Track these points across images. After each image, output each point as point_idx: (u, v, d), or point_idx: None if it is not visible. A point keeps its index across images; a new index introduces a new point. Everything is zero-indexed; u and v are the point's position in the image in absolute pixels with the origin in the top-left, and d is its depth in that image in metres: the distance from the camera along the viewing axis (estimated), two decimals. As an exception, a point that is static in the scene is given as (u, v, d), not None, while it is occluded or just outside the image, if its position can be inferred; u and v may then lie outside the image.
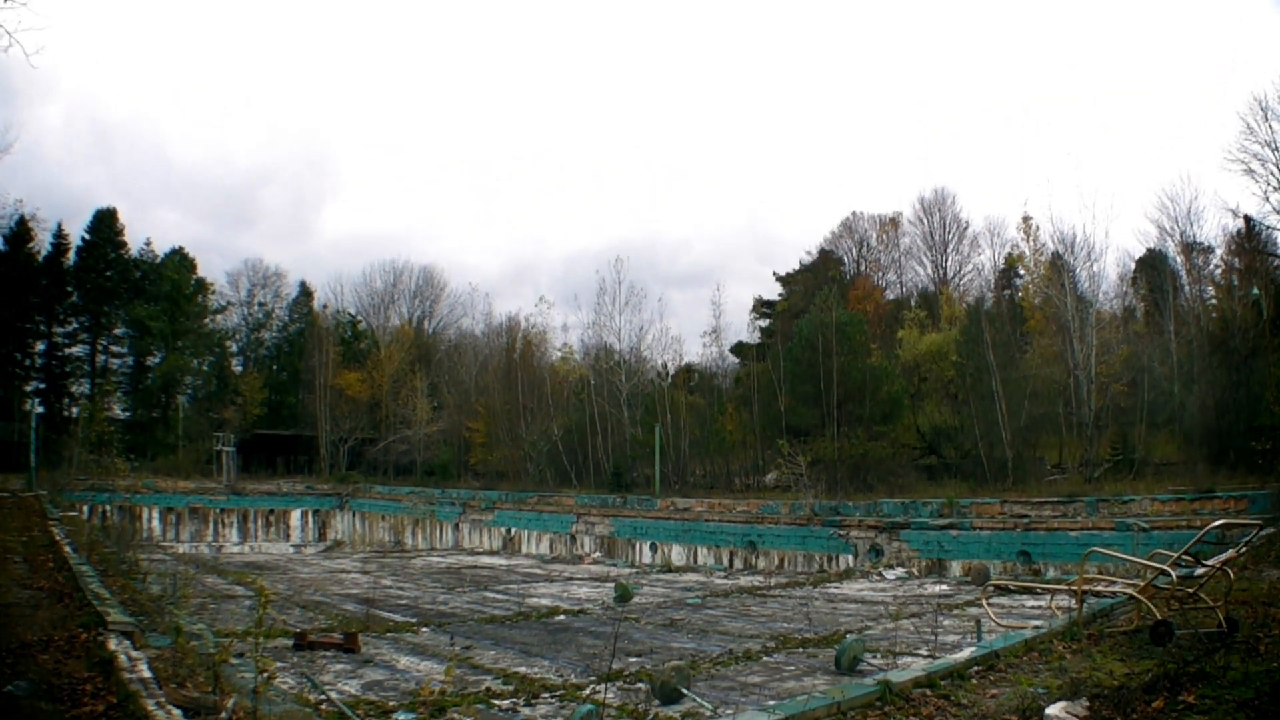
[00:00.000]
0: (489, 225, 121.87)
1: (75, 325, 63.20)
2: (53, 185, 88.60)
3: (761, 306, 67.84)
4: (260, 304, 73.61)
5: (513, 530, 46.62)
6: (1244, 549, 14.29)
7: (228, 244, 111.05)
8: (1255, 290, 36.99)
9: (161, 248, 68.26)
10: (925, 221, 68.42)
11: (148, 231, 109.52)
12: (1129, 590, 12.07)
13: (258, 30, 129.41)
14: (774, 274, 70.73)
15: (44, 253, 61.43)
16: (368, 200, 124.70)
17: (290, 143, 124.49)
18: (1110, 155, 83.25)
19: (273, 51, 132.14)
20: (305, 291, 74.82)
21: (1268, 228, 38.44)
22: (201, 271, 69.35)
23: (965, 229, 67.34)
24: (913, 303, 61.84)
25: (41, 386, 60.76)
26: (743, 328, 67.08)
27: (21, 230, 58.66)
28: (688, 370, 61.73)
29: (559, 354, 65.26)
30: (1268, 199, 36.46)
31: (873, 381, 45.03)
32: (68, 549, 20.45)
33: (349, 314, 74.97)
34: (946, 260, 68.09)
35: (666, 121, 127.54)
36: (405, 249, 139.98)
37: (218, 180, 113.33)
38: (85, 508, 36.90)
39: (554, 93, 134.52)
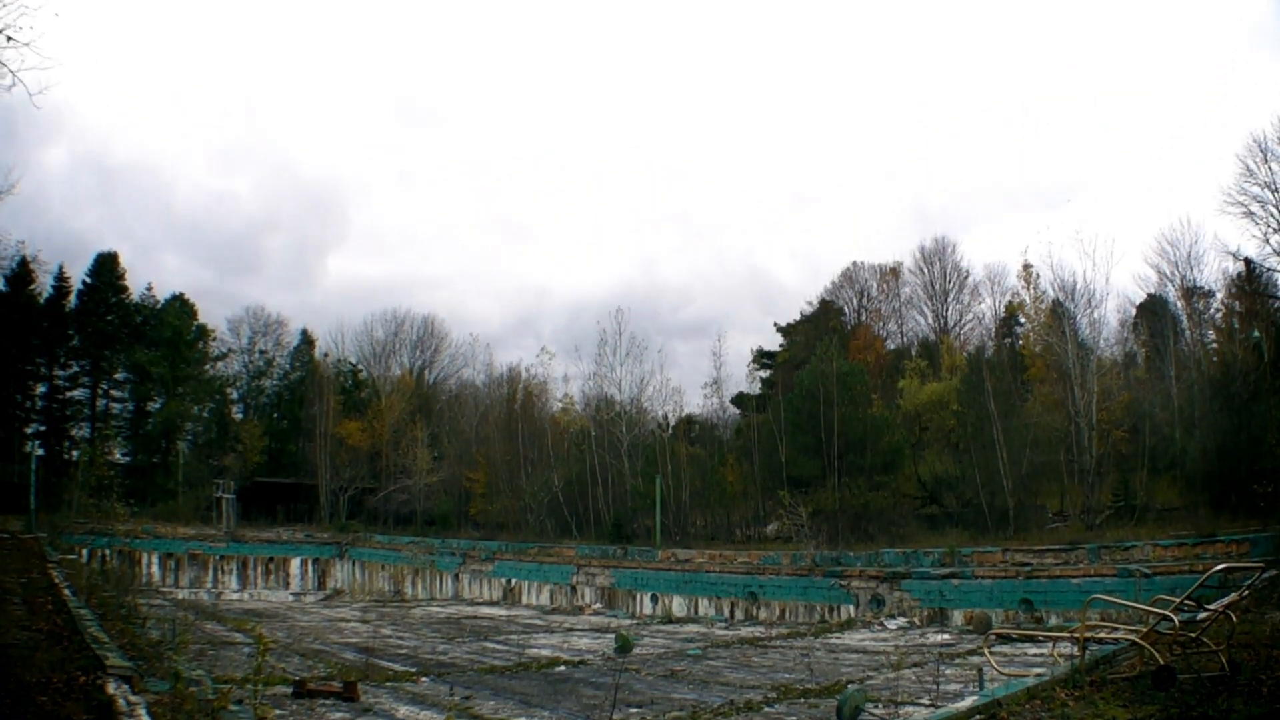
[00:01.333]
0: (492, 275, 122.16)
1: (76, 368, 63.18)
2: (55, 227, 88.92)
3: (762, 357, 67.98)
4: (261, 351, 73.76)
5: (513, 581, 46.40)
6: (1246, 592, 14.19)
7: (230, 291, 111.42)
8: (1256, 333, 37.09)
9: (163, 293, 68.63)
10: (926, 271, 68.95)
11: (150, 276, 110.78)
12: (1131, 636, 12.02)
13: (265, 76, 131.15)
14: (775, 324, 71.13)
15: (45, 295, 61.53)
16: (371, 249, 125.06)
17: (295, 189, 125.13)
18: (1111, 201, 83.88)
19: (282, 97, 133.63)
20: (306, 340, 75.00)
21: (1268, 269, 38.61)
22: (202, 318, 69.48)
23: (966, 278, 67.94)
24: (913, 352, 62.01)
25: (42, 429, 60.64)
26: (743, 378, 67.18)
27: (23, 272, 58.79)
28: (689, 421, 61.76)
29: (560, 405, 65.38)
30: (1268, 241, 36.69)
31: (874, 432, 45.02)
32: (67, 592, 20.34)
33: (350, 363, 75.10)
34: (947, 309, 68.54)
35: (671, 173, 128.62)
36: (407, 298, 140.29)
37: (221, 225, 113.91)
38: (84, 551, 36.92)
39: (559, 144, 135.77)
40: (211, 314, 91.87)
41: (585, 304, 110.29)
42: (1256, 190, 37.18)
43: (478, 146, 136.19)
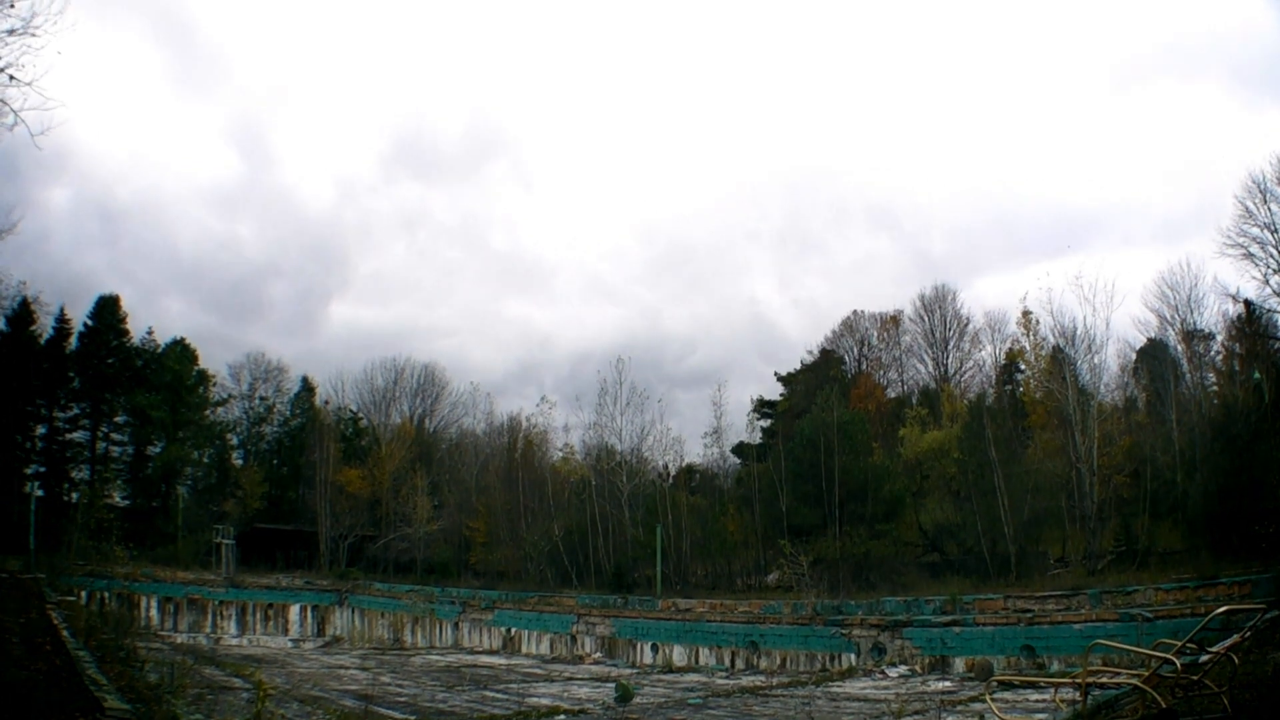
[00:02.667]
0: (496, 324, 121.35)
1: (76, 410, 62.97)
2: (57, 268, 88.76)
3: (763, 406, 67.95)
4: (262, 398, 73.73)
5: (513, 630, 46.21)
6: (1248, 634, 14.18)
7: (231, 336, 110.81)
8: (1256, 374, 37.10)
9: (164, 337, 68.62)
10: (926, 319, 69.25)
11: (151, 320, 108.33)
12: (1133, 680, 12.02)
13: (272, 119, 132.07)
14: (775, 374, 71.35)
15: (46, 336, 61.49)
16: (374, 296, 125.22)
17: (299, 234, 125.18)
18: (1111, 245, 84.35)
19: (288, 140, 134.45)
20: (307, 387, 75.00)
21: (1268, 310, 38.70)
22: (203, 363, 69.48)
23: (966, 325, 68.18)
24: (914, 400, 62.11)
25: (41, 470, 60.35)
26: (744, 428, 67.09)
27: (24, 312, 58.80)
28: (689, 470, 61.77)
29: (560, 454, 65.38)
30: (1268, 282, 36.81)
31: (875, 481, 45.04)
32: (65, 633, 20.28)
33: (350, 410, 75.07)
34: (947, 357, 68.71)
35: (676, 221, 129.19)
36: (410, 345, 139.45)
37: (225, 270, 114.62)
38: (83, 593, 36.64)
39: (564, 188, 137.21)
40: (212, 359, 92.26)
41: (589, 353, 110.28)
42: (1256, 231, 37.44)
43: (481, 192, 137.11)
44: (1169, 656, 11.44)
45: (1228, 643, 12.22)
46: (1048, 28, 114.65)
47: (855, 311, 72.86)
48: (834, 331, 72.67)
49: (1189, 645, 11.90)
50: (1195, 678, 11.22)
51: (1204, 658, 11.60)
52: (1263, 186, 37.40)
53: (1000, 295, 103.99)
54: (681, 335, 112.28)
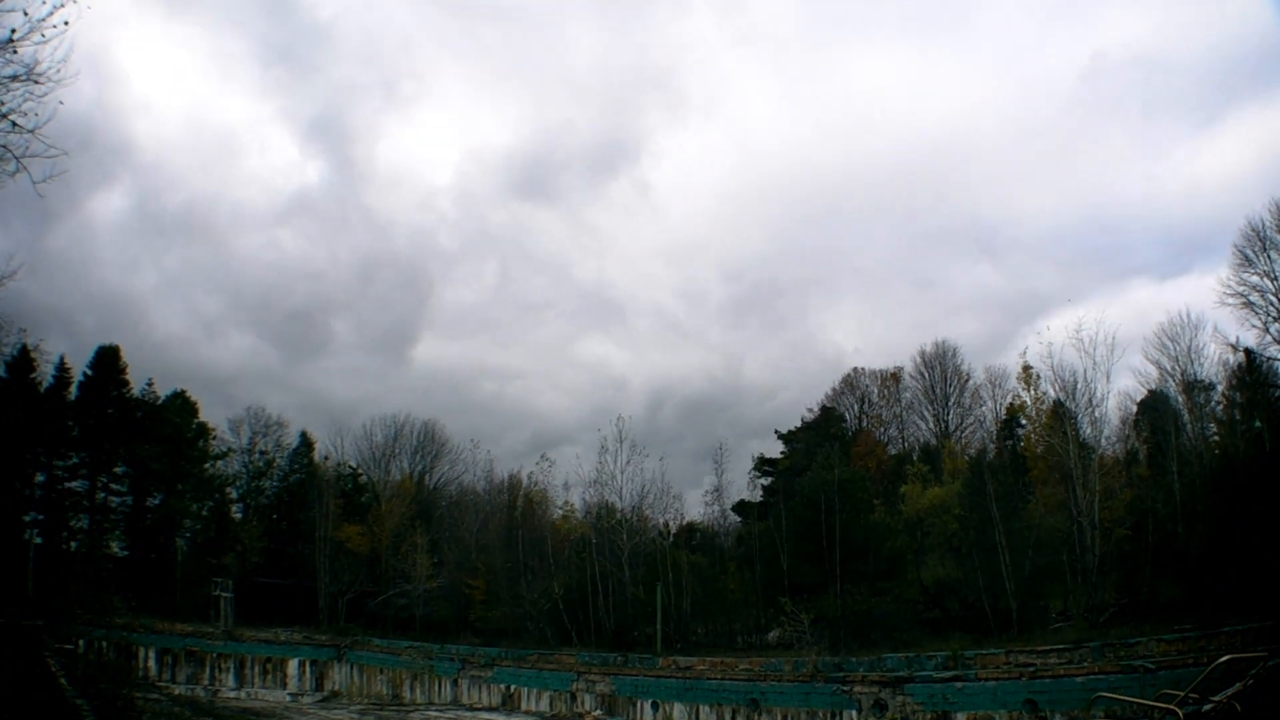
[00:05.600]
0: (569, 367, 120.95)
1: (75, 460, 62.85)
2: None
3: (763, 464, 68.01)
4: (261, 452, 73.40)
5: (512, 687, 45.96)
6: (1250, 681, 14.30)
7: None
8: (1257, 423, 37.23)
9: (164, 388, 68.86)
10: (926, 375, 69.57)
11: (151, 371, 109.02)
12: (1138, 728, 12.15)
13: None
14: (776, 431, 71.36)
15: (46, 384, 61.58)
16: (452, 328, 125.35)
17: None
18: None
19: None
20: (306, 442, 74.80)
21: (1268, 359, 38.90)
22: (203, 416, 69.62)
23: (966, 381, 68.46)
24: (915, 457, 62.08)
25: (40, 518, 60.11)
26: (744, 486, 67.04)
27: (23, 359, 58.96)
28: (689, 529, 61.74)
29: (560, 512, 65.34)
30: (1268, 330, 37.09)
31: (875, 538, 45.16)
32: (64, 682, 20.32)
33: (350, 466, 74.98)
34: (948, 413, 68.89)
35: (758, 262, 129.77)
36: (474, 388, 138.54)
37: (286, 299, 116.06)
38: (81, 642, 36.49)
39: (645, 224, 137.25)
40: (212, 412, 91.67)
41: (665, 394, 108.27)
42: (1255, 280, 37.81)
43: (572, 222, 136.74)
44: (1172, 707, 11.64)
45: (1230, 691, 12.38)
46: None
47: (856, 369, 73.67)
48: (834, 389, 73.15)
49: (1192, 695, 12.06)
50: (1199, 728, 11.38)
51: (1207, 707, 11.75)
52: (1261, 234, 37.83)
53: (1000, 352, 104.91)
54: (762, 381, 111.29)
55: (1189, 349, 43.40)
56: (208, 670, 49.61)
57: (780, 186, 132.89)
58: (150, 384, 68.24)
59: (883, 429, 70.34)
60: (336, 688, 52.23)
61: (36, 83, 11.81)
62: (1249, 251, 38.16)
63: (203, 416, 69.50)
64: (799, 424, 70.12)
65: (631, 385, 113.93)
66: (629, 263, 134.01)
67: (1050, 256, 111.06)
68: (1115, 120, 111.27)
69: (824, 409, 70.13)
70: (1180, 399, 44.34)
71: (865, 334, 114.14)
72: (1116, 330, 42.46)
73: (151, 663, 47.55)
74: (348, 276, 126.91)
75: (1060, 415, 44.12)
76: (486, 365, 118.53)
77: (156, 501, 64.50)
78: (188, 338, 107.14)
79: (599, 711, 40.83)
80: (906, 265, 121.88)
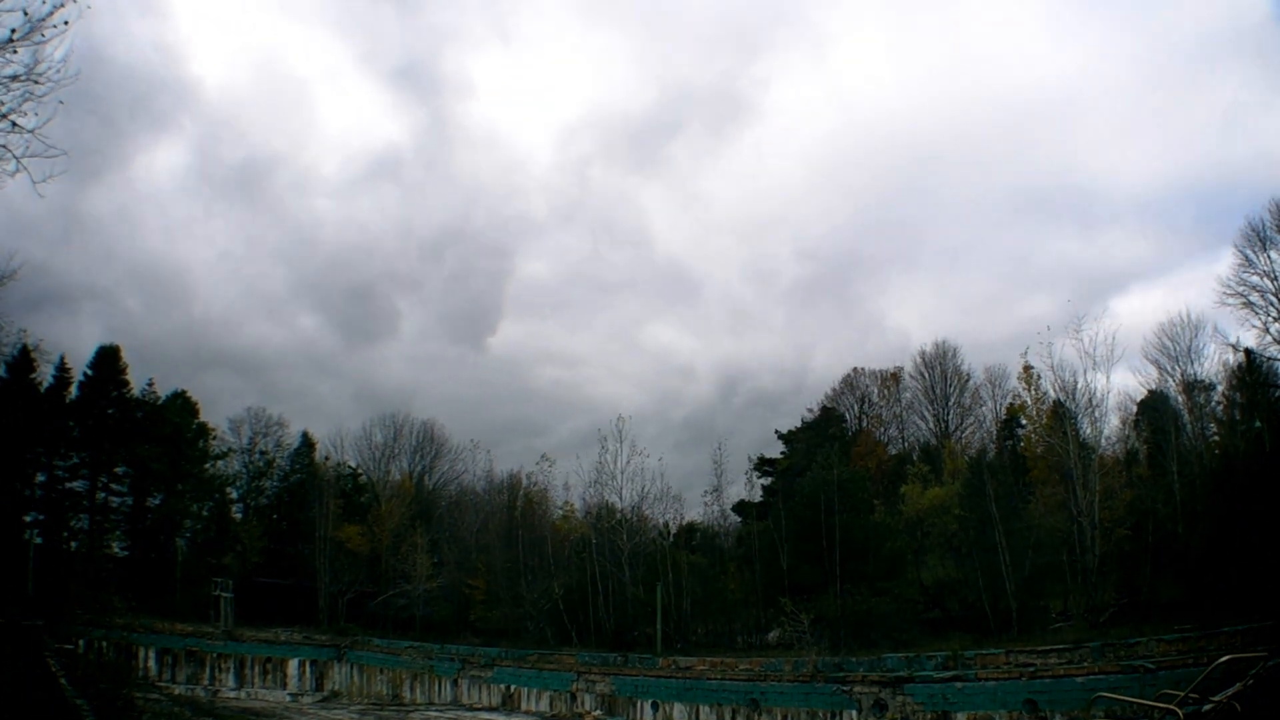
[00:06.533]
0: (631, 353, 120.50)
1: (75, 460, 62.82)
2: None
3: (763, 464, 68.00)
4: (261, 452, 73.39)
5: (512, 687, 45.96)
6: (1250, 681, 14.30)
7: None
8: (1258, 423, 37.21)
9: (164, 389, 68.89)
10: (927, 375, 69.66)
11: (150, 371, 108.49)
12: (1138, 729, 12.16)
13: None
14: (776, 431, 71.36)
15: (46, 384, 61.55)
16: (524, 310, 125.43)
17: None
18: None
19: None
20: (307, 442, 74.82)
21: (1268, 359, 38.87)
22: (203, 416, 69.67)
23: (966, 381, 68.54)
24: (915, 457, 62.09)
25: (40, 518, 60.08)
26: (744, 486, 67.03)
27: (23, 360, 58.95)
28: (689, 529, 61.70)
29: (560, 512, 65.40)
30: (1268, 330, 37.08)
31: (875, 538, 45.18)
32: (64, 682, 20.31)
33: (350, 466, 74.99)
34: (948, 413, 68.97)
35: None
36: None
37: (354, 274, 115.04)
38: (81, 642, 36.47)
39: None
40: (212, 412, 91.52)
41: (733, 383, 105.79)
42: (1255, 279, 37.79)
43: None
44: (1172, 707, 11.63)
45: (1230, 691, 12.38)
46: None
47: (856, 369, 73.88)
48: (834, 389, 73.30)
49: (1192, 695, 12.06)
50: (1199, 728, 11.38)
51: (1207, 707, 11.75)
52: (1261, 234, 37.81)
53: (1000, 352, 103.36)
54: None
55: (1189, 349, 43.46)
56: (208, 670, 49.69)
57: (872, 154, 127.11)
58: (151, 384, 68.35)
59: (883, 429, 70.43)
60: (336, 688, 52.25)
61: (37, 82, 11.74)
62: (1249, 252, 38.21)
63: (202, 416, 69.66)
64: (799, 424, 70.27)
65: (699, 372, 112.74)
66: (707, 237, 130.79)
67: (1143, 226, 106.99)
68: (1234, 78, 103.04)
69: (824, 409, 70.19)
70: (1180, 399, 44.35)
71: (932, 319, 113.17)
72: (1117, 330, 42.51)
73: (151, 663, 47.60)
74: (419, 248, 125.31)
75: (1060, 415, 44.13)
76: (550, 349, 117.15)
77: (156, 501, 64.52)
78: (235, 315, 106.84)
79: (599, 711, 40.84)
80: (987, 240, 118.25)
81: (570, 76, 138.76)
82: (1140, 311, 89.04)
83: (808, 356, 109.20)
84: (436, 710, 42.56)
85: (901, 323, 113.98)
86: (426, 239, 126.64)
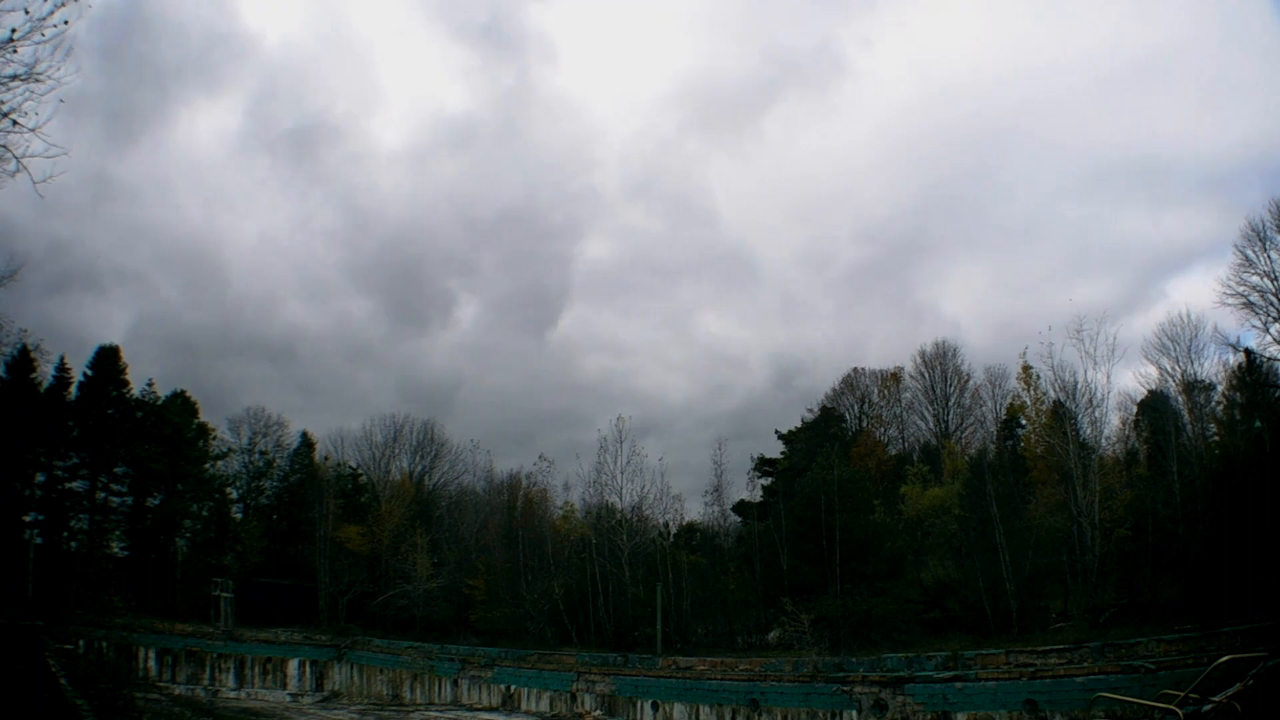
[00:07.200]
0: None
1: (75, 460, 62.82)
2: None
3: (763, 465, 68.03)
4: (261, 452, 73.43)
5: (512, 687, 45.99)
6: (1250, 681, 14.31)
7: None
8: (1258, 423, 37.16)
9: (164, 389, 68.90)
10: (927, 375, 69.68)
11: (150, 372, 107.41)
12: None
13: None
14: (776, 431, 71.30)
15: (46, 384, 61.54)
16: (587, 294, 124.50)
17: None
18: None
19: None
20: (306, 442, 74.84)
21: (1269, 359, 38.83)
22: (203, 416, 69.64)
23: (966, 381, 68.59)
24: (915, 457, 62.11)
25: (40, 518, 60.04)
26: (744, 486, 67.02)
27: (23, 359, 58.93)
28: (689, 529, 61.72)
29: (560, 512, 65.36)
30: (1268, 330, 37.01)
31: (875, 539, 45.17)
32: (64, 682, 20.31)
33: (350, 466, 74.97)
34: (948, 413, 69.04)
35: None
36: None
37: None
38: (81, 642, 36.53)
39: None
40: (212, 412, 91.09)
41: (789, 372, 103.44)
42: (1256, 280, 37.72)
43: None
44: (1172, 707, 11.63)
45: (1230, 691, 12.38)
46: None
47: (856, 369, 73.85)
48: (834, 389, 73.25)
49: (1192, 695, 12.06)
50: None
51: (1207, 707, 11.75)
52: (1262, 234, 37.76)
53: (1001, 352, 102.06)
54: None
55: (1189, 349, 43.42)
56: (208, 670, 49.77)
57: (946, 127, 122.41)
58: (150, 384, 68.39)
59: (883, 429, 70.37)
60: (336, 688, 52.30)
61: (37, 82, 11.75)
62: (1249, 252, 38.15)
63: (202, 416, 69.68)
64: (799, 424, 70.28)
65: (750, 363, 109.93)
66: (767, 217, 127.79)
67: (1211, 202, 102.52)
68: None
69: (824, 409, 70.15)
70: (1180, 399, 44.34)
71: (981, 305, 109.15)
72: (1117, 331, 42.53)
73: (151, 663, 47.67)
74: (477, 228, 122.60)
75: (1060, 415, 44.12)
76: (602, 338, 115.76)
77: (156, 502, 64.52)
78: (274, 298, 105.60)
79: (599, 712, 40.86)
80: (1052, 218, 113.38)
81: (659, 40, 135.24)
82: (1200, 292, 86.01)
83: (860, 348, 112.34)
84: (436, 710, 42.58)
85: (953, 312, 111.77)
86: (485, 219, 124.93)
